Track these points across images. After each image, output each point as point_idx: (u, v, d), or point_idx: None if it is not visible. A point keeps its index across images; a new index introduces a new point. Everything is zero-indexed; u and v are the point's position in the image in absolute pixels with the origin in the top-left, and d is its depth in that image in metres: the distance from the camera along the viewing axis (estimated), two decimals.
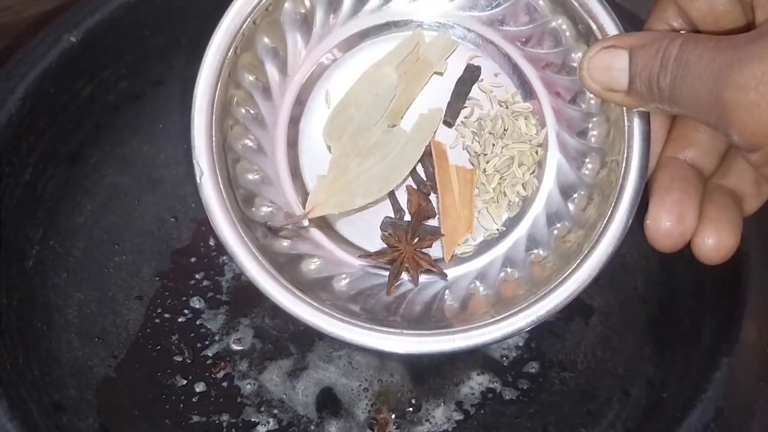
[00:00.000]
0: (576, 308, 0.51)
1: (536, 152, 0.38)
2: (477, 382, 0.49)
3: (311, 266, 0.38)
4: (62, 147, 0.49)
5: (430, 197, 0.39)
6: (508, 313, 0.34)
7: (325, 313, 0.34)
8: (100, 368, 0.47)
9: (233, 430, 0.47)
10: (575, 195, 0.37)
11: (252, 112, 0.38)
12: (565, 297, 0.34)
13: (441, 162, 0.38)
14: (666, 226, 0.31)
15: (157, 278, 0.52)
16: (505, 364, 0.50)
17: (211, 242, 0.54)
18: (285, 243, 0.37)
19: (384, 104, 0.38)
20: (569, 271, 0.34)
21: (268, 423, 0.47)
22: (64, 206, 0.50)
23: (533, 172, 0.38)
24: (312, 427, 0.47)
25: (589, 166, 0.37)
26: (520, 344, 0.50)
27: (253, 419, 0.47)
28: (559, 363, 0.49)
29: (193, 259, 0.53)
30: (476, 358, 0.50)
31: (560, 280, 0.34)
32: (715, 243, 0.31)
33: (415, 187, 0.39)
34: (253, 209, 0.37)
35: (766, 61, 0.25)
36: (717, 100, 0.26)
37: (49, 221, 0.48)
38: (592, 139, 0.37)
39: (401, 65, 0.39)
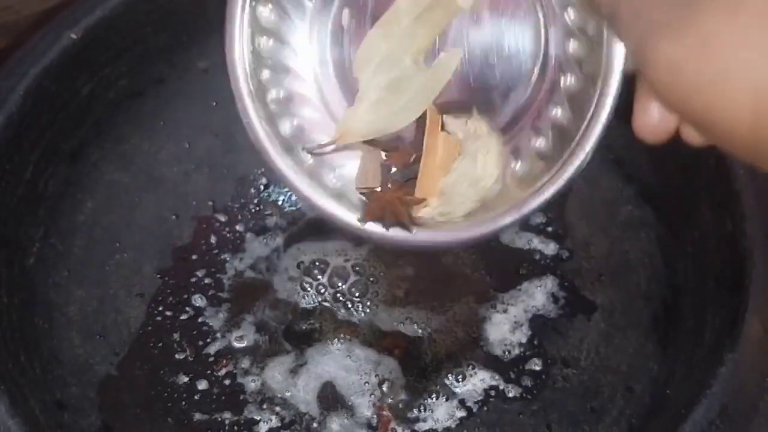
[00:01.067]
0: (578, 305, 0.51)
1: None
2: (479, 379, 0.49)
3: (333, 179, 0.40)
4: (63, 145, 0.49)
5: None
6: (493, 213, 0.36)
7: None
8: (102, 366, 0.46)
9: (235, 427, 0.47)
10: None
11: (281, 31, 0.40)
12: (544, 198, 0.35)
13: (432, 126, 0.39)
14: (652, 122, 0.31)
15: (158, 276, 0.52)
16: (507, 361, 0.49)
17: (212, 240, 0.54)
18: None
19: (406, 47, 0.39)
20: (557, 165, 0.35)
21: (270, 420, 0.47)
22: (64, 204, 0.49)
23: None
24: (314, 425, 0.47)
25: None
26: (523, 341, 0.50)
27: (255, 417, 0.47)
28: (561, 360, 0.49)
29: (194, 257, 0.53)
30: (478, 355, 0.50)
31: (554, 171, 0.35)
32: None
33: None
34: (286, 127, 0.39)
35: None
36: None
37: (50, 219, 0.48)
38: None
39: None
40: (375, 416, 0.47)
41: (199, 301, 0.51)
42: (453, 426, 0.47)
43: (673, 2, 0.26)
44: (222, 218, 0.55)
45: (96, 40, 0.49)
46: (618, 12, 0.29)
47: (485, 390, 0.48)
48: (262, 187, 0.56)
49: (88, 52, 0.48)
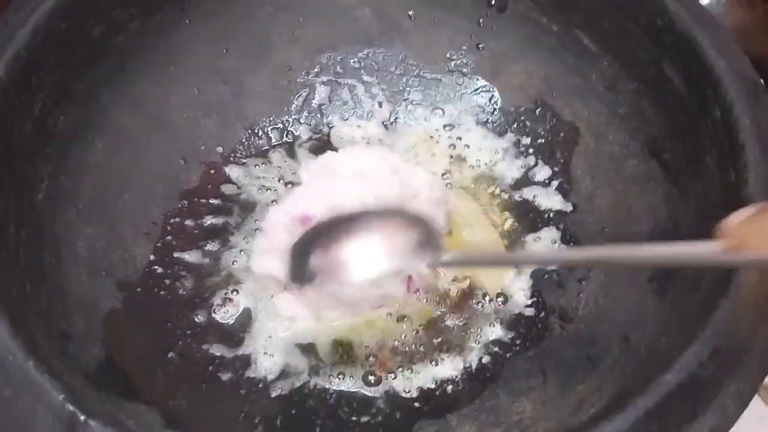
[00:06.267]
0: None
1: None
2: (478, 326, 0.49)
3: None
4: (72, 85, 0.49)
5: None
6: None
7: None
8: (108, 301, 0.47)
9: (236, 362, 0.47)
10: None
11: None
12: None
13: None
14: None
15: (166, 217, 0.52)
16: (506, 310, 0.50)
17: (220, 184, 0.54)
18: None
19: None
20: None
21: (272, 356, 0.48)
22: (74, 144, 0.50)
23: None
24: (315, 360, 0.48)
25: None
26: (523, 290, 0.50)
27: (255, 354, 0.48)
28: (560, 309, 0.50)
29: (202, 200, 0.54)
30: (479, 303, 0.50)
31: None
32: None
33: None
34: None
35: None
36: None
37: (59, 158, 0.49)
38: None
39: None
40: (373, 356, 0.48)
41: (204, 243, 0.52)
42: (450, 369, 0.48)
43: None
44: (230, 163, 0.55)
45: None
46: None
47: (482, 336, 0.49)
48: (270, 135, 0.57)
49: None
